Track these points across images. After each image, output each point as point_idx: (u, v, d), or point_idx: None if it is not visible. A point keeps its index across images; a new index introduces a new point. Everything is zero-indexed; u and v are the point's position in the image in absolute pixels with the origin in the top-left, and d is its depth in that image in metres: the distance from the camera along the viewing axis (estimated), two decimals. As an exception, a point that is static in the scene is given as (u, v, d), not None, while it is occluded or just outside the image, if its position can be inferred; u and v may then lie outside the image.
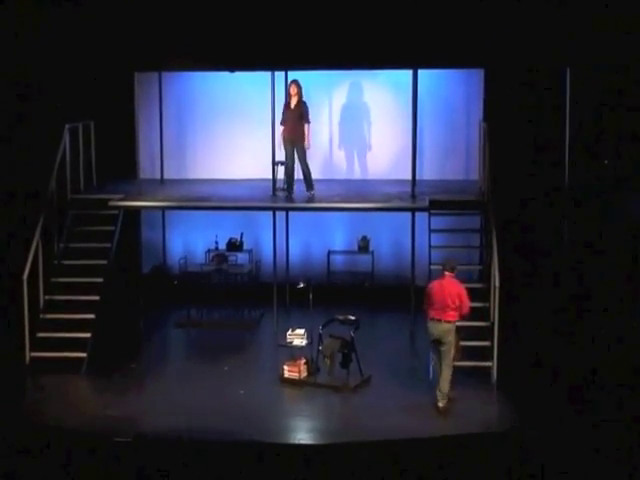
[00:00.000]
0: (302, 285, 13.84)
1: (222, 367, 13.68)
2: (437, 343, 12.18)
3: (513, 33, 14.34)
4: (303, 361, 13.14)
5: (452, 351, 12.13)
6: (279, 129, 14.96)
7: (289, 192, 14.99)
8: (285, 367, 13.10)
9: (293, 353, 13.46)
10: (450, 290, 12.06)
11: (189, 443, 11.06)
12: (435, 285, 12.24)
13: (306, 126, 14.84)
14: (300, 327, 13.77)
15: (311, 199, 14.85)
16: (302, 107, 14.84)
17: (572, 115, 14.99)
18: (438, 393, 12.08)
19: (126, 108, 15.34)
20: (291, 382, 13.00)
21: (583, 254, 14.77)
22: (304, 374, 13.06)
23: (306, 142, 14.85)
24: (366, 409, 12.27)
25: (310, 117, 14.86)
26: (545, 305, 14.65)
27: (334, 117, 17.13)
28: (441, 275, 12.35)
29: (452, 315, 12.04)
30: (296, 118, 14.76)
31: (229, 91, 16.97)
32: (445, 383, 12.08)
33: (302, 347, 13.52)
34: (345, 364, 12.88)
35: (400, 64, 14.68)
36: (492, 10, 14.40)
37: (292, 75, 15.99)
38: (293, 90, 14.85)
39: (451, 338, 12.08)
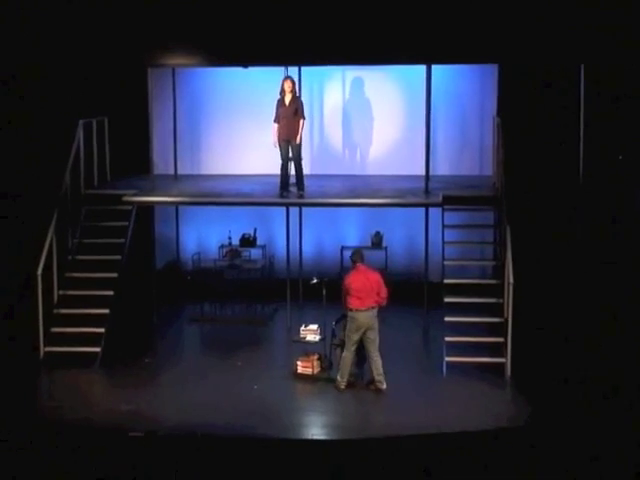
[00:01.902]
0: (315, 281, 13.83)
1: (235, 362, 13.69)
2: (362, 332, 12.39)
3: (528, 29, 14.28)
4: (316, 357, 13.15)
5: (378, 337, 12.47)
6: (273, 127, 14.76)
7: (285, 191, 14.75)
8: (298, 362, 13.11)
9: (306, 348, 13.46)
10: (370, 277, 12.46)
11: (202, 438, 11.07)
12: (355, 276, 12.50)
13: (301, 122, 14.70)
14: (313, 323, 13.77)
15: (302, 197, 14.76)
16: (297, 103, 14.72)
17: (586, 111, 14.93)
18: (378, 378, 12.43)
19: (140, 104, 15.36)
20: (304, 377, 13.00)
21: (597, 250, 14.71)
22: (317, 370, 13.06)
23: (299, 138, 14.68)
24: (379, 405, 12.27)
25: (305, 113, 14.76)
26: (559, 301, 14.62)
27: (345, 112, 17.11)
28: (354, 267, 12.60)
29: (375, 300, 12.42)
30: (291, 115, 14.60)
31: (243, 87, 16.97)
32: (379, 367, 12.44)
33: (315, 343, 13.53)
34: (360, 362, 12.89)
35: (414, 60, 14.64)
36: (506, 5, 14.34)
37: (306, 70, 16.06)
38: (288, 86, 14.62)
39: (377, 324, 12.45)
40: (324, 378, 12.92)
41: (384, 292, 12.52)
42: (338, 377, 12.59)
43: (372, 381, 12.61)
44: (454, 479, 10.38)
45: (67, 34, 15.02)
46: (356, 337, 12.49)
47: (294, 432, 11.41)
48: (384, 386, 12.45)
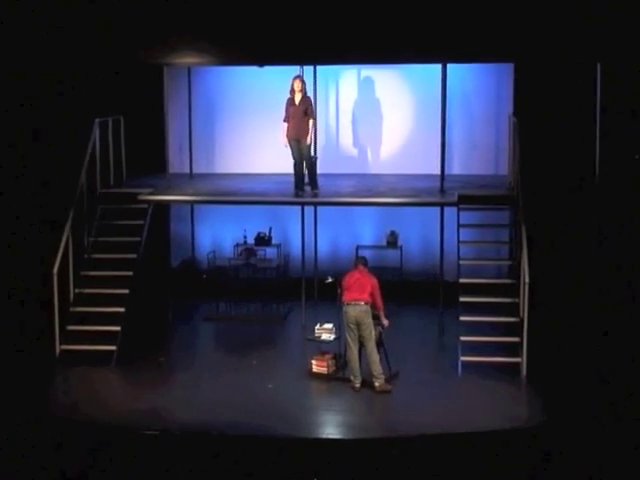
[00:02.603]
0: (330, 280, 13.84)
1: (250, 361, 13.70)
2: (356, 327, 12.54)
3: (544, 27, 14.23)
4: (331, 355, 13.15)
5: (372, 334, 12.58)
6: (283, 127, 14.74)
7: (300, 190, 14.72)
8: (313, 361, 13.11)
9: (321, 347, 13.46)
10: (365, 278, 12.80)
11: (217, 437, 11.08)
12: (350, 274, 12.96)
13: (311, 122, 14.69)
14: (328, 322, 13.76)
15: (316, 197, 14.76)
16: (307, 103, 14.70)
17: (602, 110, 14.86)
18: (373, 376, 12.47)
19: (155, 103, 15.41)
20: (319, 376, 13.00)
21: (614, 249, 14.65)
22: (332, 369, 13.06)
23: (309, 138, 14.68)
24: (394, 404, 12.26)
25: (317, 112, 14.74)
26: (575, 301, 14.56)
27: (358, 111, 17.09)
28: (354, 268, 13.05)
29: (365, 298, 12.60)
30: (301, 114, 14.56)
31: (258, 86, 16.97)
32: (375, 365, 12.48)
33: (330, 342, 13.52)
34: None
35: (430, 59, 14.61)
36: (522, 4, 14.29)
37: (320, 69, 16.03)
38: (298, 86, 14.58)
39: (369, 320, 12.57)
40: (339, 377, 12.91)
41: (379, 300, 12.76)
42: (351, 377, 12.60)
43: (387, 379, 12.64)
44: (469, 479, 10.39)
45: (83, 34, 15.05)
46: (352, 333, 12.60)
47: (309, 431, 11.41)
48: (376, 384, 12.40)
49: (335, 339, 13.49)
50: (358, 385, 12.54)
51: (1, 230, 15.10)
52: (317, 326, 13.83)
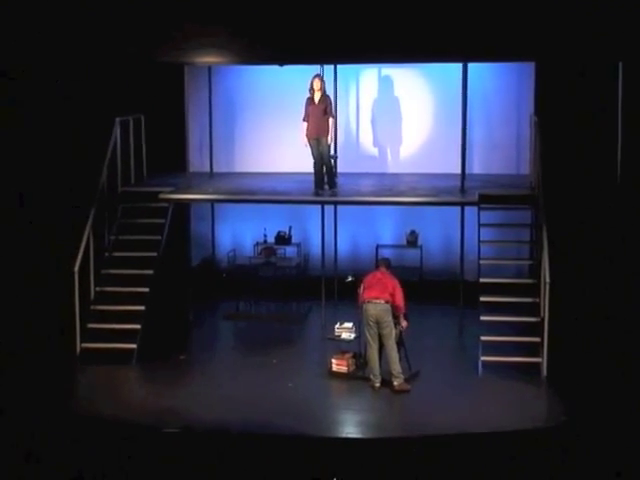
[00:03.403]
0: (351, 279, 13.88)
1: (270, 360, 13.71)
2: (376, 325, 12.54)
3: (565, 26, 14.16)
4: (351, 354, 13.14)
5: (393, 332, 12.60)
6: (302, 126, 14.77)
7: (320, 189, 14.75)
8: (333, 360, 13.11)
9: (341, 346, 13.46)
10: (386, 279, 12.83)
11: (237, 435, 11.10)
12: (371, 274, 13.05)
13: (331, 120, 14.71)
14: (348, 321, 13.76)
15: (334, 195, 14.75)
16: (326, 101, 14.70)
17: (624, 109, 14.80)
18: (392, 375, 12.46)
19: (176, 102, 15.42)
20: (339, 375, 13.00)
21: (634, 249, 14.58)
22: (352, 368, 13.05)
23: (329, 137, 14.71)
24: (414, 403, 12.24)
25: (337, 111, 14.73)
26: (596, 301, 14.50)
27: (378, 110, 17.06)
28: (375, 269, 13.23)
29: (385, 297, 12.61)
30: (321, 113, 14.59)
31: (278, 84, 16.96)
32: (395, 364, 12.49)
33: (350, 341, 13.51)
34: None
35: (451, 58, 14.56)
36: (544, 3, 14.23)
37: (341, 69, 16.00)
38: (317, 85, 14.63)
39: (389, 319, 12.58)
40: (359, 376, 12.90)
41: (400, 299, 12.74)
42: (371, 376, 12.59)
43: (407, 381, 12.63)
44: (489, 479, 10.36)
45: (105, 32, 15.08)
46: (372, 331, 12.61)
47: (328, 430, 11.41)
48: (395, 383, 12.40)
49: (355, 338, 13.49)
50: (378, 384, 12.53)
51: (23, 228, 15.16)
52: (337, 325, 13.83)
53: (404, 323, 12.89)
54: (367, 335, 12.71)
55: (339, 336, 13.69)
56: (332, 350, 13.44)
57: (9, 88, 15.13)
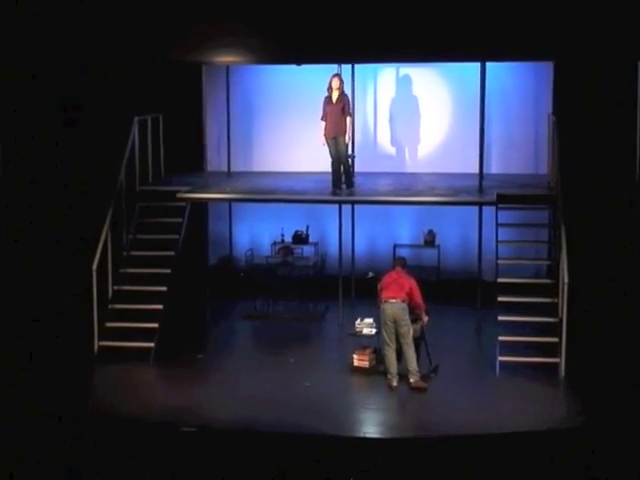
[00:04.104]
0: (371, 275, 13.95)
1: (288, 359, 13.72)
2: (393, 325, 12.64)
3: (584, 25, 14.11)
4: (372, 349, 13.26)
5: (410, 331, 12.68)
6: (320, 125, 14.77)
7: (337, 188, 14.76)
8: (354, 356, 13.24)
9: (359, 343, 13.52)
10: (403, 279, 12.93)
11: (254, 434, 11.11)
12: (388, 274, 13.12)
13: (348, 120, 14.71)
14: (368, 317, 13.82)
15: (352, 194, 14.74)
16: (344, 100, 14.69)
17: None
18: (409, 372, 12.57)
19: (194, 101, 15.45)
20: (360, 370, 13.09)
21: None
22: (373, 362, 13.19)
23: (347, 136, 14.70)
24: (431, 403, 12.23)
25: (355, 110, 14.72)
26: (614, 301, 14.43)
27: (395, 109, 17.05)
28: (392, 269, 13.21)
29: (404, 296, 12.73)
30: (338, 112, 14.59)
31: (296, 84, 16.97)
32: (412, 362, 12.59)
33: (372, 336, 13.58)
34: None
35: (469, 57, 14.54)
36: (562, 2, 14.18)
37: (359, 68, 15.99)
38: (336, 84, 14.64)
39: (406, 318, 12.68)
40: (380, 371, 12.94)
41: (417, 297, 12.88)
42: (388, 375, 12.60)
43: (427, 375, 12.74)
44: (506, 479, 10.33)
45: (123, 32, 15.14)
46: (389, 330, 12.68)
47: (346, 429, 11.40)
48: (411, 380, 12.48)
49: (376, 333, 13.55)
50: (395, 384, 12.53)
51: (41, 227, 15.23)
52: (358, 321, 13.91)
53: (425, 318, 13.01)
54: (384, 334, 12.75)
55: (360, 331, 13.79)
56: (350, 348, 13.47)
57: (28, 88, 15.21)
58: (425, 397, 12.39)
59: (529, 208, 14.70)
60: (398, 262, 13.36)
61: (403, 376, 12.62)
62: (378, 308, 12.94)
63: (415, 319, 12.91)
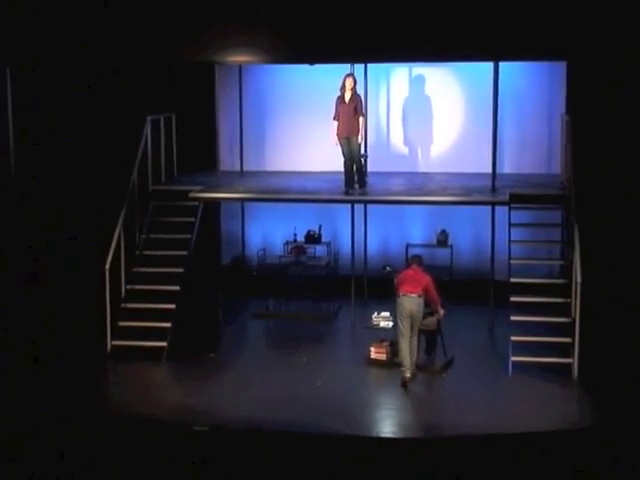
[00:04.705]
0: (389, 269, 14.02)
1: (300, 358, 13.73)
2: (409, 318, 12.83)
3: (597, 25, 14.07)
4: (388, 342, 13.40)
5: (418, 325, 13.00)
6: (332, 125, 14.75)
7: (350, 188, 14.72)
8: (372, 349, 13.39)
9: (375, 337, 13.66)
10: (419, 275, 13.14)
11: (267, 433, 11.11)
12: (404, 271, 13.40)
13: (361, 119, 14.68)
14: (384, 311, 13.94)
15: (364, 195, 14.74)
16: (356, 100, 14.66)
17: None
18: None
19: (206, 100, 15.46)
20: (378, 363, 13.26)
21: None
22: (390, 355, 13.30)
23: (360, 136, 14.69)
24: (444, 403, 12.24)
25: (367, 109, 14.72)
26: (628, 301, 14.39)
27: (408, 109, 17.03)
28: (408, 267, 13.45)
29: (420, 291, 12.93)
30: (351, 112, 14.55)
31: (308, 83, 16.97)
32: (413, 355, 12.86)
33: (389, 329, 13.73)
34: (429, 350, 13.46)
35: (483, 57, 14.50)
36: (576, 1, 14.14)
37: (372, 67, 16.00)
38: (349, 83, 14.59)
39: (421, 311, 12.95)
40: (397, 363, 12.99)
41: (434, 293, 13.09)
42: (402, 368, 12.67)
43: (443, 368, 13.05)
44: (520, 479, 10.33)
45: (137, 32, 15.16)
46: (405, 324, 12.81)
47: (360, 429, 11.38)
48: (407, 375, 12.62)
49: (393, 326, 13.67)
50: (409, 375, 12.65)
51: (54, 227, 15.26)
52: (374, 314, 14.11)
53: (441, 311, 13.20)
54: (400, 327, 12.88)
55: (377, 324, 13.99)
56: (363, 345, 13.56)
57: (42, 86, 15.24)
58: (438, 397, 12.43)
59: (542, 208, 14.68)
60: (414, 260, 13.49)
61: (419, 368, 12.85)
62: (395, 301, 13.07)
63: (431, 312, 13.16)
